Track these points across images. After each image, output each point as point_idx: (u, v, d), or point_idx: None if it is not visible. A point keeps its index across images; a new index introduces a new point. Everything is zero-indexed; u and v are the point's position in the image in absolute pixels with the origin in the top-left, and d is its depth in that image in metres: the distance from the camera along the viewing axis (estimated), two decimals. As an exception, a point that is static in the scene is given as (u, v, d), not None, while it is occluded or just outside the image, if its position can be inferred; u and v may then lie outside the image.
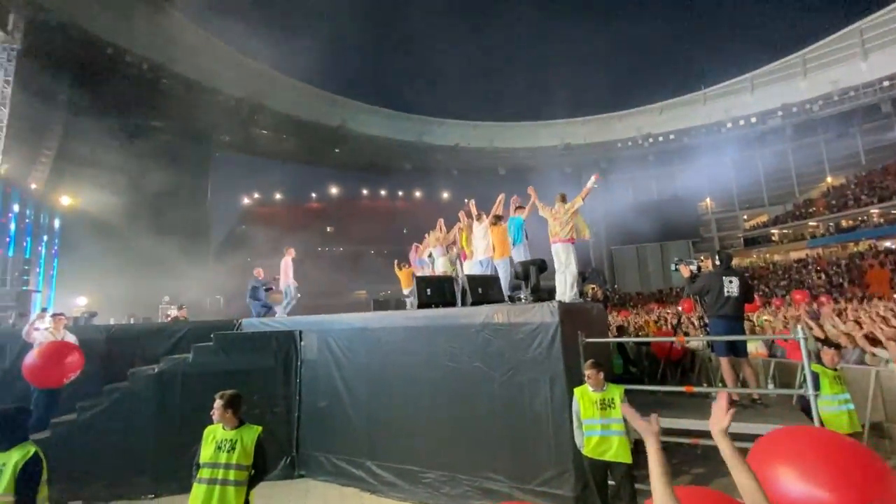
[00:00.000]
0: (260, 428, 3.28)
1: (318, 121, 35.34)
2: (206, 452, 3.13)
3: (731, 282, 4.54)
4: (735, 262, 35.54)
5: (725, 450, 1.55)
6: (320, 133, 35.85)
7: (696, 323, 9.16)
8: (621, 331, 8.03)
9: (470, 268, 7.18)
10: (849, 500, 1.70)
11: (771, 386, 5.12)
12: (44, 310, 6.70)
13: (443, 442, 4.93)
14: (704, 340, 6.32)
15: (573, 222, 5.71)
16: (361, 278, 32.98)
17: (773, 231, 35.74)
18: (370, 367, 5.67)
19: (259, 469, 3.21)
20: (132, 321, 12.18)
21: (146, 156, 25.75)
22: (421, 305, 5.71)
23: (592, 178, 5.84)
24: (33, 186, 20.60)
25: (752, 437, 2.42)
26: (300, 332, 6.38)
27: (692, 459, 5.14)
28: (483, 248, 6.69)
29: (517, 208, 6.65)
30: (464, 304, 5.70)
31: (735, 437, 3.58)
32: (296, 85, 34.86)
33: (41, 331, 6.00)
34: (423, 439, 5.06)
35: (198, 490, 3.06)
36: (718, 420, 1.59)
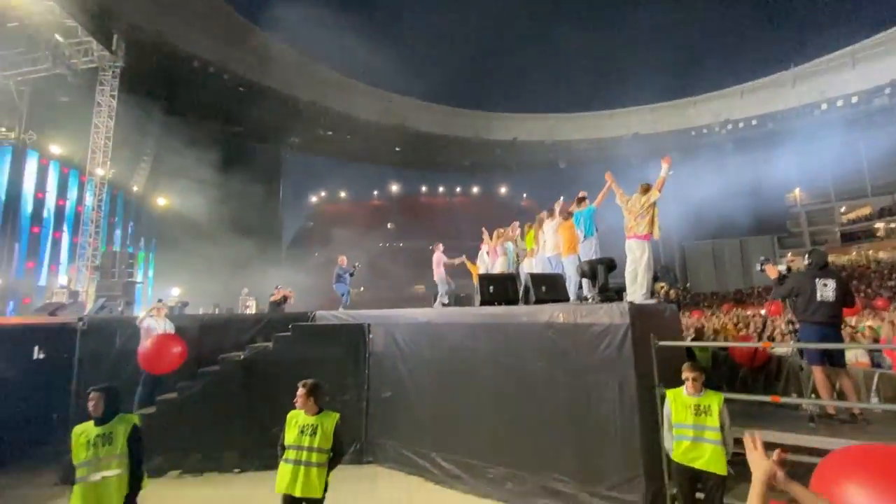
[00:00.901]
0: (338, 415, 3.54)
1: (378, 121, 36.40)
2: (290, 435, 3.43)
3: (825, 284, 4.12)
4: (830, 259, 31.93)
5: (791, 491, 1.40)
6: (381, 132, 36.92)
7: (784, 327, 8.39)
8: (699, 334, 7.51)
9: (534, 266, 7.10)
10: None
11: (875, 400, 4.59)
12: (159, 300, 7.57)
13: (506, 439, 4.96)
14: (794, 347, 5.79)
15: (650, 216, 5.32)
16: (420, 274, 33.66)
17: (877, 225, 31.61)
18: (434, 362, 5.82)
19: (337, 453, 3.47)
20: (217, 311, 13.39)
21: (226, 160, 28.05)
22: (483, 303, 5.76)
23: (664, 166, 5.43)
24: (135, 189, 23.21)
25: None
26: (368, 326, 6.69)
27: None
28: (552, 245, 6.56)
29: (580, 200, 6.36)
30: (527, 302, 5.67)
31: (826, 453, 3.28)
32: (358, 87, 36.14)
33: (149, 318, 6.77)
34: (486, 435, 5.13)
35: (284, 469, 3.37)
36: (759, 464, 1.42)
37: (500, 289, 5.81)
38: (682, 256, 38.75)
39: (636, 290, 5.18)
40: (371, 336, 6.65)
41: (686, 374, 3.47)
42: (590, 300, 5.01)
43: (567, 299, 5.67)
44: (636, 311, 4.43)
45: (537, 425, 4.78)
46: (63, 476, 5.74)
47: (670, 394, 3.58)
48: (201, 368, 6.50)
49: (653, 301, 5.36)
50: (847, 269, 29.32)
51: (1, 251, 15.83)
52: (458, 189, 45.48)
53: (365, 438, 6.27)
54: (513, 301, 5.78)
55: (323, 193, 44.99)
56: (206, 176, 23.83)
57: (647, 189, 5.47)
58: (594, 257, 5.59)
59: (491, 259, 8.14)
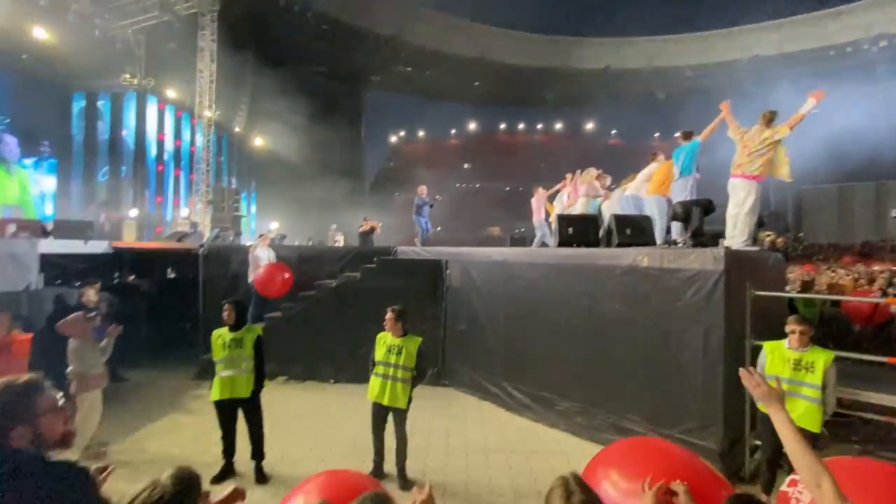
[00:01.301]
0: (420, 338, 3.88)
1: (458, 53, 34.90)
2: (379, 353, 3.87)
3: None
4: None
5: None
6: (460, 66, 35.50)
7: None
8: (806, 287, 6.69)
9: (611, 206, 6.71)
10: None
11: None
12: (262, 234, 8.54)
13: (578, 377, 5.06)
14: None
15: (769, 155, 4.64)
16: (496, 215, 33.42)
17: None
18: (508, 299, 5.97)
19: (420, 372, 3.85)
20: (310, 243, 14.66)
21: (311, 103, 29.15)
22: (561, 244, 5.66)
23: (812, 101, 4.55)
24: (237, 130, 25.24)
25: None
26: (446, 262, 6.95)
27: (882, 441, 4.38)
28: (636, 185, 6.15)
29: (687, 135, 5.67)
30: (608, 245, 5.47)
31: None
32: (436, 17, 34.54)
33: (259, 247, 7.65)
34: (557, 371, 5.27)
35: (375, 382, 3.83)
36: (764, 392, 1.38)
37: (580, 230, 5.64)
38: (798, 202, 33.82)
39: (735, 235, 4.72)
40: (448, 272, 6.93)
41: (792, 326, 3.22)
42: (680, 244, 4.69)
43: (654, 243, 5.36)
44: (733, 257, 4.09)
45: (611, 366, 4.79)
46: (197, 373, 7.01)
47: (768, 346, 3.39)
48: (300, 293, 7.31)
49: (754, 248, 4.88)
50: None
51: (136, 188, 18.47)
52: (539, 126, 42.98)
53: (442, 364, 6.77)
54: (592, 243, 5.60)
55: (402, 133, 45.31)
56: (295, 119, 25.09)
57: (770, 120, 4.71)
58: (688, 198, 5.12)
59: (572, 199, 7.84)
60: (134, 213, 16.78)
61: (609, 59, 35.88)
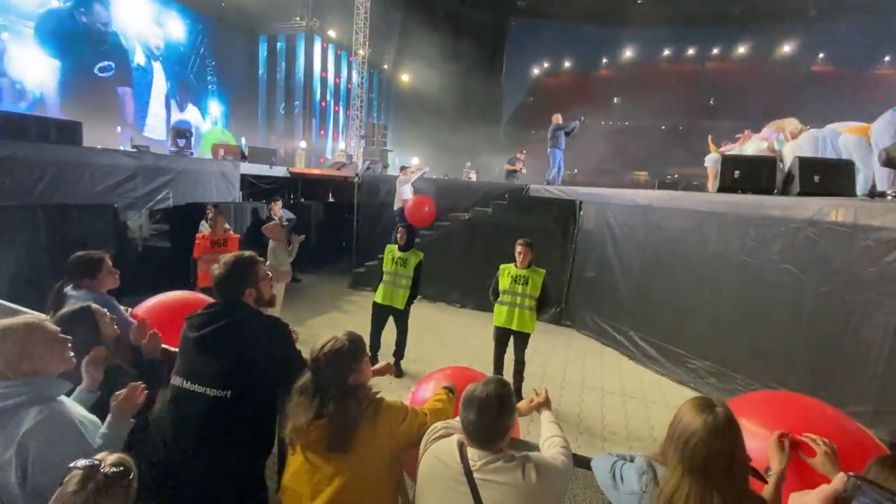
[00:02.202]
0: (545, 270, 3.97)
1: (620, -34, 30.24)
2: (504, 283, 4.09)
3: None
4: None
5: None
6: (621, -19, 30.83)
7: None
8: None
9: (800, 148, 5.51)
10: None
11: None
12: (403, 167, 9.25)
13: (719, 337, 4.63)
14: None
15: None
16: (644, 159, 29.95)
17: None
18: (646, 246, 5.57)
19: (544, 301, 4.01)
20: (446, 178, 15.31)
21: (455, 36, 28.78)
22: (722, 189, 4.97)
23: None
24: (385, 67, 26.61)
25: None
26: (580, 203, 6.69)
27: None
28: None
29: None
30: (785, 193, 4.62)
31: None
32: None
33: (401, 180, 8.33)
34: (695, 328, 4.89)
35: (501, 309, 4.11)
36: None
37: (751, 173, 4.82)
38: None
39: None
40: (582, 213, 6.67)
41: None
42: (889, 196, 3.73)
43: (851, 194, 4.36)
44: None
45: (762, 332, 4.26)
46: (352, 282, 8.25)
47: None
48: (436, 222, 7.87)
49: None
50: None
51: (305, 121, 21.16)
52: (715, 50, 35.61)
53: (566, 304, 6.78)
54: (765, 190, 4.78)
55: (546, 65, 42.23)
56: (437, 54, 25.27)
57: None
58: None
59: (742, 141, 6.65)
60: (303, 144, 19.41)
61: (830, -45, 27.22)
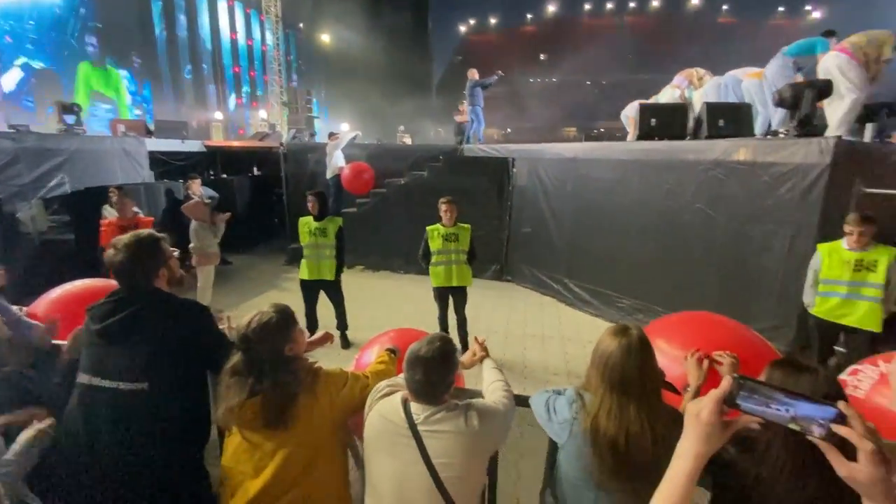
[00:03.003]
0: (469, 225, 4.19)
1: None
2: (435, 244, 4.15)
3: None
4: None
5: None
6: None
7: None
8: None
9: (706, 94, 5.92)
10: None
11: None
12: (334, 133, 8.75)
13: (644, 276, 5.01)
14: None
15: (870, 57, 4.10)
16: (572, 114, 30.83)
17: None
18: (577, 197, 5.81)
19: (474, 254, 4.21)
20: (378, 142, 14.86)
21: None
22: (641, 137, 5.23)
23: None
24: (301, 27, 24.71)
25: None
26: (513, 160, 6.78)
27: None
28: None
29: (828, 33, 4.77)
30: (695, 136, 4.96)
31: None
32: None
33: (331, 146, 7.91)
34: (623, 270, 5.24)
35: (437, 270, 4.18)
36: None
37: (665, 121, 5.11)
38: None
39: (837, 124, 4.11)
40: (515, 170, 6.78)
41: (851, 226, 3.02)
42: (782, 135, 4.13)
43: (750, 134, 4.77)
44: (844, 150, 3.56)
45: (681, 267, 4.66)
46: (287, 259, 7.91)
47: (824, 248, 3.19)
48: (371, 190, 7.65)
49: (876, 141, 4.18)
50: None
51: (218, 90, 19.33)
52: (632, 4, 36.80)
53: (506, 260, 6.98)
54: (678, 136, 5.10)
55: (472, 22, 41.37)
56: (360, 11, 23.82)
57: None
58: (787, 81, 4.40)
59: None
60: (219, 115, 17.81)
61: None
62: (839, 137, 3.61)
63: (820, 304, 3.21)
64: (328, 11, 24.30)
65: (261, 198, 9.60)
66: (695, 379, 1.60)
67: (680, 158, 4.63)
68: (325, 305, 4.63)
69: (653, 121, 5.11)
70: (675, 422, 1.09)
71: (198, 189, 6.18)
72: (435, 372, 1.32)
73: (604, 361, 1.31)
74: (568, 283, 5.94)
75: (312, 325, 4.55)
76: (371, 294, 6.34)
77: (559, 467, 1.39)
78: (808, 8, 24.24)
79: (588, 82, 34.06)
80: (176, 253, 1.76)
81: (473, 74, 8.62)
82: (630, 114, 7.35)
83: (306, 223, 4.37)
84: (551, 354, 4.52)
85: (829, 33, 4.74)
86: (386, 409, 1.38)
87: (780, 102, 4.02)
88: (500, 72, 8.49)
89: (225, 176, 9.65)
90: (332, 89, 27.21)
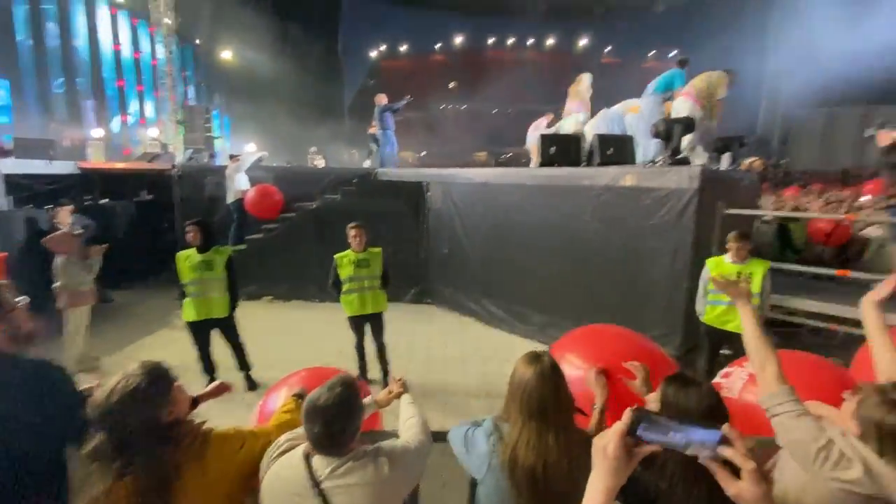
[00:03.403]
0: (380, 248, 4.13)
1: (443, -47, 31.52)
2: (346, 271, 4.02)
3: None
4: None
5: (869, 320, 1.47)
6: (446, -32, 32.22)
7: (878, 205, 7.52)
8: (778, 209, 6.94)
9: (596, 126, 6.59)
10: None
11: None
12: (235, 154, 8.12)
13: (552, 292, 5.31)
14: (881, 225, 5.27)
15: (709, 99, 4.93)
16: (483, 139, 32.45)
17: None
18: (488, 219, 6.04)
19: (387, 278, 4.11)
20: (288, 165, 14.23)
21: (281, 9, 26.54)
22: (543, 164, 5.62)
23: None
24: (197, 42, 23.13)
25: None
26: (427, 184, 6.88)
27: (827, 348, 4.82)
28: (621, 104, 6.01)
29: (683, 62, 5.56)
30: (589, 164, 5.45)
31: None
32: None
33: (233, 169, 7.36)
34: (533, 287, 5.52)
35: (350, 298, 4.05)
36: (877, 291, 1.49)
37: (563, 150, 5.57)
38: (786, 127, 33.60)
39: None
40: (429, 193, 6.88)
41: (731, 243, 3.46)
42: (658, 163, 4.71)
43: (633, 162, 5.36)
44: (708, 177, 4.14)
45: (584, 283, 5.03)
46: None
47: (711, 262, 3.63)
48: (281, 215, 7.25)
49: (731, 169, 4.95)
50: None
51: (98, 105, 17.20)
52: (529, 41, 40.25)
53: (424, 283, 6.98)
54: (575, 163, 5.57)
55: (383, 47, 42.09)
56: (265, 28, 22.99)
57: (732, 76, 5.16)
58: (657, 118, 5.13)
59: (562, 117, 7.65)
60: (98, 133, 15.81)
61: (608, -36, 32.86)
62: (704, 166, 4.20)
63: (709, 312, 3.61)
64: (230, 27, 23.10)
65: (150, 225, 8.60)
66: (598, 396, 1.69)
67: (577, 183, 5.04)
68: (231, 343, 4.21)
69: (552, 149, 5.53)
70: (587, 445, 1.13)
71: (66, 218, 5.34)
72: (337, 421, 1.21)
73: (521, 389, 1.32)
74: (484, 303, 6.09)
75: (209, 368, 4.09)
76: (281, 327, 5.93)
77: (478, 503, 1.37)
78: (674, 52, 28.53)
79: (495, 110, 36.13)
80: (22, 302, 1.46)
81: (381, 99, 8.62)
82: (532, 142, 7.91)
83: (187, 257, 3.87)
84: (471, 376, 4.56)
85: (682, 62, 5.54)
86: (285, 466, 1.24)
87: (655, 135, 4.60)
88: (409, 96, 8.62)
89: (105, 201, 8.50)
90: (237, 108, 25.66)
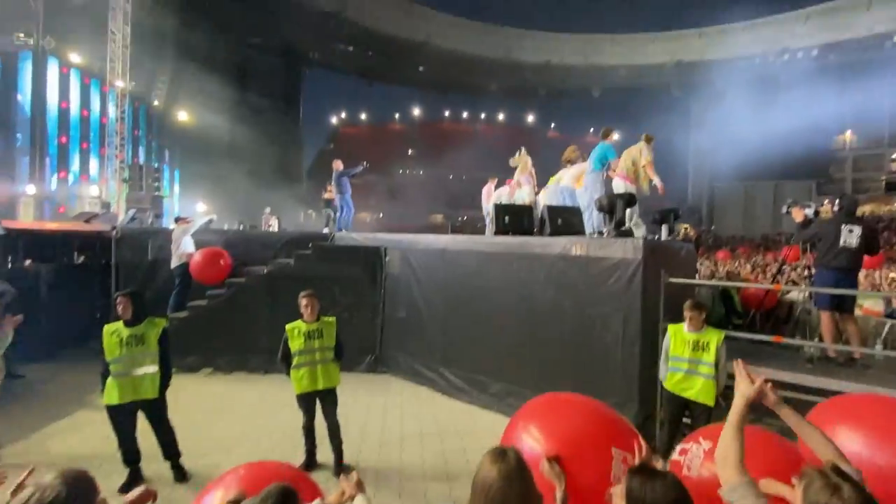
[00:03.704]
0: (334, 318, 3.94)
1: (402, 36, 34.21)
2: (296, 343, 3.77)
3: (850, 230, 4.00)
4: (869, 208, 30.20)
5: (784, 415, 1.51)
6: (405, 49, 34.84)
7: (800, 273, 8.30)
8: (731, 277, 7.52)
9: (549, 198, 7.02)
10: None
11: (879, 348, 4.65)
12: (181, 217, 7.79)
13: (510, 360, 5.27)
14: (806, 291, 5.78)
15: (638, 167, 5.45)
16: (440, 203, 33.58)
17: (928, 175, 29.55)
18: (446, 286, 6.05)
19: (340, 349, 3.90)
20: (241, 227, 13.85)
21: (244, 76, 27.38)
22: (498, 232, 5.82)
23: (659, 186, 5.53)
24: (155, 103, 23.04)
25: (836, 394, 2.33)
26: (385, 249, 6.88)
27: (769, 412, 5.00)
28: (569, 176, 6.45)
29: (606, 133, 6.09)
30: (542, 233, 5.70)
31: (821, 392, 3.41)
32: (381, -3, 33.60)
33: (179, 231, 7.04)
34: (492, 355, 5.46)
35: (300, 373, 3.76)
36: (744, 387, 1.51)
37: (516, 219, 5.82)
38: (712, 197, 37.43)
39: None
40: (387, 259, 6.87)
41: (686, 312, 3.58)
42: (605, 234, 5.00)
43: (583, 233, 5.67)
44: (650, 247, 4.43)
45: (541, 349, 5.04)
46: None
47: (671, 328, 3.72)
48: (228, 280, 6.91)
49: (669, 239, 5.34)
50: (884, 221, 27.98)
51: (34, 161, 16.31)
52: (483, 115, 43.52)
53: (380, 351, 6.74)
54: (528, 232, 5.81)
55: (343, 115, 43.83)
56: (225, 92, 23.38)
57: (649, 141, 5.59)
58: (600, 193, 5.56)
59: (511, 190, 8.07)
60: (31, 189, 14.86)
61: (549, 55, 36.97)
62: (646, 238, 4.50)
63: (669, 378, 3.66)
64: (189, 89, 23.30)
65: (81, 291, 7.90)
66: (558, 485, 1.64)
67: (531, 252, 5.22)
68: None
69: (506, 218, 5.76)
70: None
71: (-20, 284, 4.82)
72: None
73: (485, 491, 1.23)
74: (443, 371, 5.92)
75: (132, 458, 3.59)
76: (220, 404, 5.42)
77: None
78: (608, 128, 31.72)
79: (451, 176, 37.79)
80: None
81: (338, 165, 8.80)
82: (489, 210, 8.25)
83: (115, 331, 3.49)
84: (429, 454, 4.29)
85: (605, 134, 6.04)
86: None
87: (599, 209, 4.92)
88: (364, 163, 8.93)
89: (28, 263, 7.78)
90: (190, 168, 25.19)
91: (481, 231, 8.83)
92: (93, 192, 16.21)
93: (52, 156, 17.20)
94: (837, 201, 4.32)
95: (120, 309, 3.52)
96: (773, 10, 33.12)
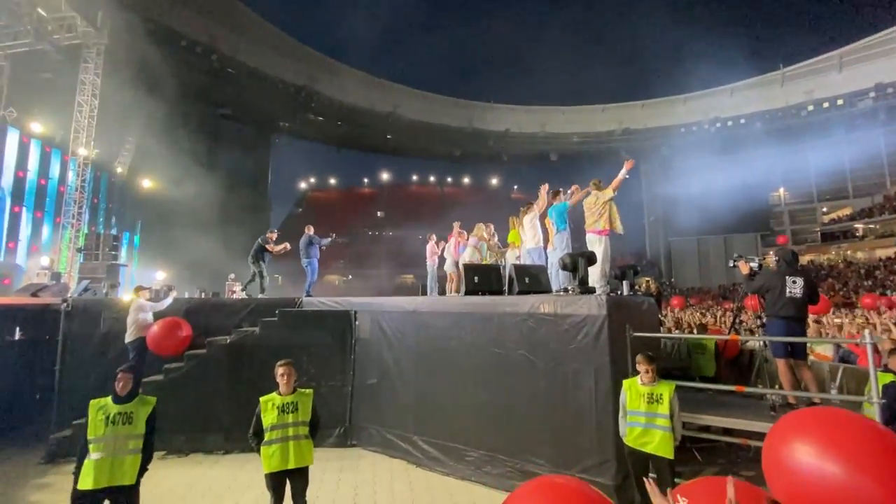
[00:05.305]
0: (311, 390, 3.74)
1: (370, 108, 36.08)
2: (269, 418, 3.51)
3: (794, 282, 4.32)
4: (809, 258, 32.57)
5: None
6: (373, 120, 36.60)
7: (753, 321, 8.71)
8: (702, 329, 7.81)
9: (517, 258, 7.24)
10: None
11: (834, 392, 4.85)
12: (142, 286, 7.46)
13: (486, 424, 5.13)
14: (760, 341, 6.05)
15: (605, 213, 5.59)
16: (409, 263, 33.72)
17: (856, 225, 32.44)
18: (418, 349, 5.96)
19: (316, 423, 3.68)
20: (203, 295, 13.33)
21: (213, 142, 27.78)
22: (468, 292, 5.89)
23: (625, 167, 5.67)
24: (119, 170, 22.77)
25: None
26: (355, 313, 6.78)
27: (743, 462, 5.02)
28: (531, 237, 6.71)
29: (555, 194, 6.52)
30: (510, 292, 5.81)
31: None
32: (350, 72, 35.76)
33: (138, 302, 6.72)
34: (467, 420, 5.29)
35: (272, 450, 3.47)
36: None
37: (485, 279, 5.93)
38: (668, 251, 39.47)
39: (596, 282, 5.44)
40: (357, 323, 6.74)
41: (639, 365, 3.68)
42: (570, 292, 5.16)
43: (550, 290, 5.82)
44: (613, 303, 4.59)
45: (516, 411, 4.95)
46: (49, 454, 5.80)
47: (626, 383, 3.79)
48: (188, 351, 6.55)
49: (631, 293, 5.56)
50: (825, 269, 30.11)
51: (-20, 231, 15.49)
52: (449, 179, 45.38)
53: (350, 422, 6.40)
54: (497, 291, 5.91)
55: (312, 180, 44.58)
56: (193, 160, 23.48)
57: (598, 185, 5.80)
58: (567, 251, 5.81)
59: (454, 251, 8.34)
60: (-27, 261, 13.94)
61: (508, 124, 39.84)
62: (609, 293, 4.67)
63: (629, 433, 3.67)
64: (155, 156, 23.22)
65: (21, 369, 7.26)
66: None
67: (501, 311, 5.29)
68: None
69: (475, 278, 5.87)
70: None
71: None
72: None
73: None
74: (416, 441, 5.66)
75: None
76: (176, 493, 4.92)
77: None
78: (570, 191, 33.64)
79: (420, 237, 38.27)
80: None
81: (309, 229, 8.88)
82: (450, 270, 8.42)
83: (102, 407, 3.27)
84: (404, 534, 3.99)
85: (555, 194, 6.43)
86: None
87: (563, 267, 5.12)
88: (333, 234, 9.20)
89: (-39, 342, 7.16)
90: (151, 236, 24.47)
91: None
92: (43, 263, 15.39)
93: (1, 225, 16.40)
94: (776, 257, 4.68)
95: (120, 385, 3.32)
96: (704, 85, 37.44)
